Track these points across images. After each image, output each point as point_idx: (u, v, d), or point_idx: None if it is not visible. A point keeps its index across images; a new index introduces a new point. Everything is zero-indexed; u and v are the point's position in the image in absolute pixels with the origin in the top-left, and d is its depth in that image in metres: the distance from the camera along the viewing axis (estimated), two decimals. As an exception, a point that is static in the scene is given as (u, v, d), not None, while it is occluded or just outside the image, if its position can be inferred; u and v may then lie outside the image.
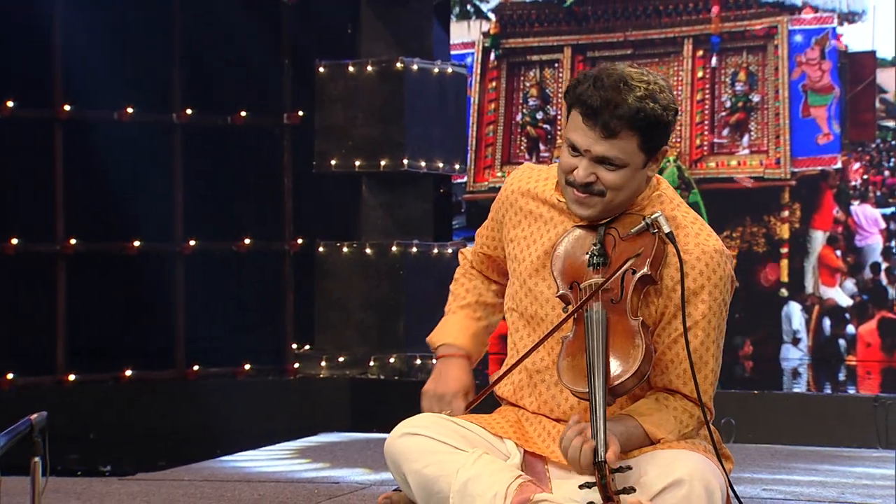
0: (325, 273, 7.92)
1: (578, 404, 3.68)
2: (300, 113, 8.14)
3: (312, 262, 8.01)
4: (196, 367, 7.91)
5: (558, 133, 9.13)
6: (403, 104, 7.67)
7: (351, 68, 7.78)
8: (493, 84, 9.51)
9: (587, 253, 3.67)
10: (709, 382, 3.68)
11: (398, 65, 7.70)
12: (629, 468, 3.47)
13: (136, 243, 7.85)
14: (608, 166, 3.59)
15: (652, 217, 3.59)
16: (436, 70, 7.85)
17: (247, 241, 8.11)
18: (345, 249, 7.85)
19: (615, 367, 3.54)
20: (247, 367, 7.94)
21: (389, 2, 7.90)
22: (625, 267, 3.58)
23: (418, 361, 7.75)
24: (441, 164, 7.88)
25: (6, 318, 7.75)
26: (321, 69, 7.86)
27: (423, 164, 7.77)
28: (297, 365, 7.98)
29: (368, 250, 7.80)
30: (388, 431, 3.68)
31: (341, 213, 8.03)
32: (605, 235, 3.67)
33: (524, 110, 9.44)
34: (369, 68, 7.74)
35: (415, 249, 7.71)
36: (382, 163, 7.70)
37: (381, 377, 7.65)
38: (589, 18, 9.40)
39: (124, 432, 7.39)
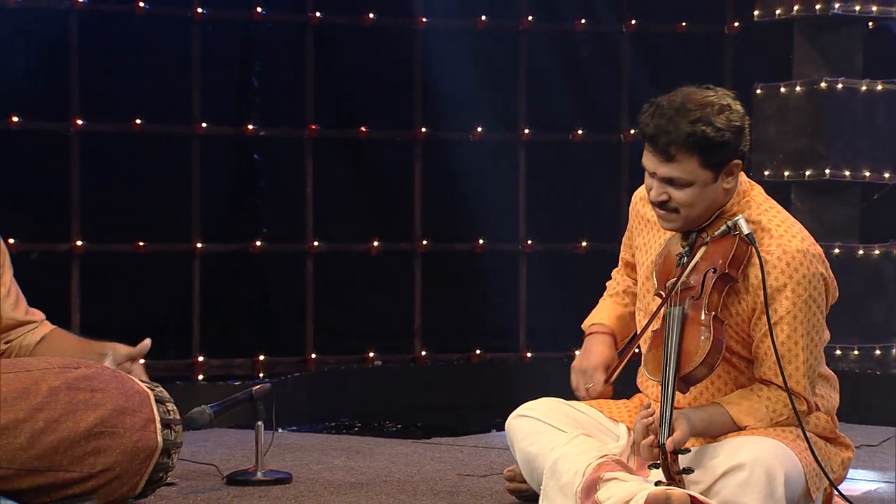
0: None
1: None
2: (738, 131, 9.02)
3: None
4: (529, 354, 8.67)
5: None
6: (828, 120, 8.37)
7: (782, 89, 8.56)
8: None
9: (677, 254, 3.97)
10: (801, 373, 3.86)
11: (822, 84, 8.41)
12: (688, 451, 3.71)
13: (481, 241, 8.74)
14: (676, 186, 3.87)
15: (733, 221, 3.88)
16: (863, 88, 8.49)
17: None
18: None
19: (686, 358, 3.76)
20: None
21: (820, 29, 8.61)
22: (693, 262, 3.89)
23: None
24: (867, 174, 8.47)
25: (431, 305, 8.65)
26: (758, 91, 8.66)
27: (847, 173, 8.40)
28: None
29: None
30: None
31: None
32: (697, 238, 3.95)
33: None
34: (798, 89, 8.49)
35: (837, 251, 8.32)
36: (807, 173, 8.44)
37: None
38: None
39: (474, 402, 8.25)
